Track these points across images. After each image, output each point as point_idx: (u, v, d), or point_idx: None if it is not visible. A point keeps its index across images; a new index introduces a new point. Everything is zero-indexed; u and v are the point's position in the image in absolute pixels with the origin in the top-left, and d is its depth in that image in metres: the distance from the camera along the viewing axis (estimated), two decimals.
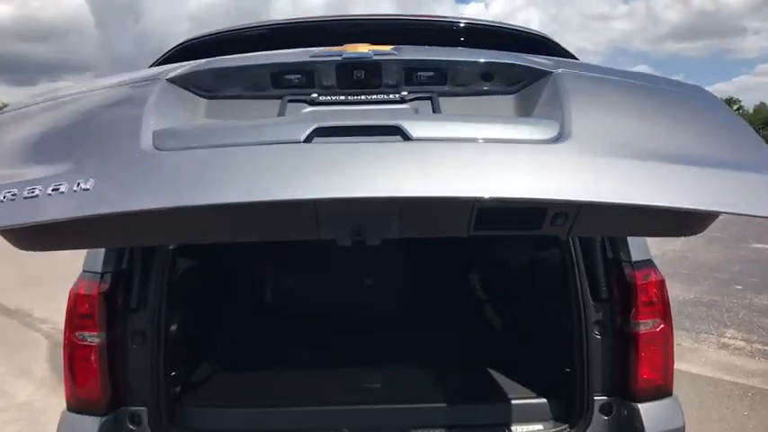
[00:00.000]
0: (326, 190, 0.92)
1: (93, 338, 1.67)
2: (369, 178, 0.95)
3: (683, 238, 10.59)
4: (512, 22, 2.12)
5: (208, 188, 0.97)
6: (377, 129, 1.03)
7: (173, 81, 1.25)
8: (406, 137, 1.00)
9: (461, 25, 1.91)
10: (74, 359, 1.70)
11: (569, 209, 1.25)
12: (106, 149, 1.10)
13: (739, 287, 7.06)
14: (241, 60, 1.30)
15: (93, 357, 1.67)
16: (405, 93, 1.25)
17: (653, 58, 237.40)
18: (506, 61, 1.29)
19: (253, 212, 1.14)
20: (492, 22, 2.14)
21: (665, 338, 1.74)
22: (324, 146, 0.99)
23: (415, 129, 1.01)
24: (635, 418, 1.66)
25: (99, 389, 1.68)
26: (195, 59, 1.44)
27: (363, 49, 1.25)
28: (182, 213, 1.09)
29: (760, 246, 10.63)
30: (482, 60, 1.29)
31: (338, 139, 1.01)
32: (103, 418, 1.67)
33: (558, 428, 1.78)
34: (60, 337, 4.92)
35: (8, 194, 0.97)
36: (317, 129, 1.00)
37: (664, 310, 1.76)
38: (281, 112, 1.22)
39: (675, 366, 4.20)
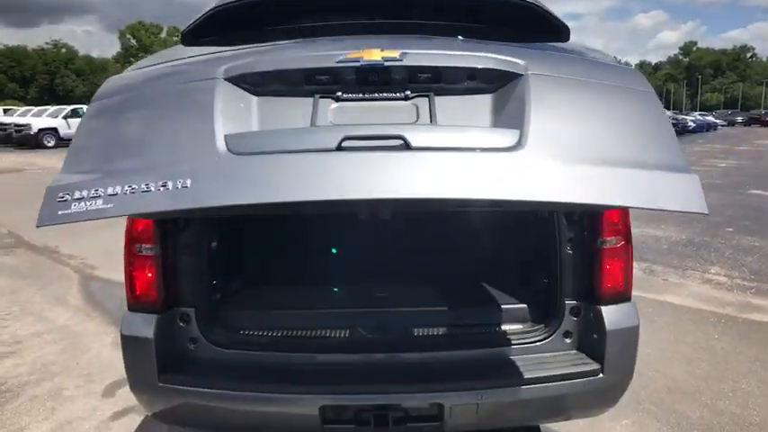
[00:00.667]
0: (352, 192, 1.29)
1: (149, 250, 1.97)
2: (379, 183, 1.31)
3: None
4: None
5: (276, 188, 1.33)
6: (388, 137, 1.38)
7: (229, 80, 1.56)
8: (408, 145, 1.36)
9: None
10: (134, 267, 2.00)
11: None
12: (192, 152, 1.42)
13: (730, 229, 7.36)
14: (284, 63, 1.61)
15: (149, 266, 1.98)
16: (408, 92, 1.60)
17: (668, 3, 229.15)
18: (485, 66, 1.59)
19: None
20: None
21: (626, 253, 2.04)
22: (348, 155, 1.35)
23: (414, 139, 1.36)
24: (598, 318, 1.98)
25: (155, 292, 1.99)
26: (225, 28, 1.86)
27: (377, 56, 1.56)
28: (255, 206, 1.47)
29: (756, 192, 10.87)
30: (466, 65, 1.60)
31: (360, 143, 1.36)
32: (159, 316, 1.98)
33: (534, 328, 2.11)
34: (88, 271, 5.30)
35: (128, 189, 1.30)
36: (344, 138, 1.36)
37: (625, 231, 2.04)
38: (315, 108, 1.56)
39: (661, 299, 4.54)
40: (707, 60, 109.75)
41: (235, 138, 1.41)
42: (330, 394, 1.88)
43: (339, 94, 1.59)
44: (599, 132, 1.50)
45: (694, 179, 1.37)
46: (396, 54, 1.57)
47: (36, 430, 2.83)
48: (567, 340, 2.07)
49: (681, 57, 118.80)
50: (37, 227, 1.31)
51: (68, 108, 24.13)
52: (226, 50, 1.79)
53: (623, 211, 2.01)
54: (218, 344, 2.03)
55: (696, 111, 65.21)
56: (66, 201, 1.31)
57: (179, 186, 1.29)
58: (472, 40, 1.86)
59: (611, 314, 1.98)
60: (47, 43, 78.08)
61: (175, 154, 1.42)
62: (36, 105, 32.90)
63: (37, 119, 23.52)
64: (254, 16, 2.11)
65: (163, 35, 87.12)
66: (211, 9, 2.02)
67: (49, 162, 16.94)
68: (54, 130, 22.94)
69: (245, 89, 1.58)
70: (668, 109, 58.16)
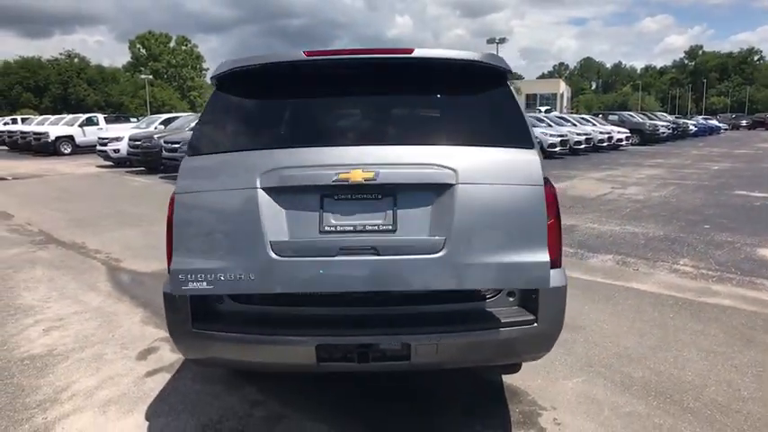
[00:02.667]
0: (342, 286, 2.38)
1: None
2: (359, 278, 2.34)
3: (669, 187, 11.23)
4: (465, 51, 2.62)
5: (302, 281, 2.32)
6: (364, 249, 2.32)
7: (264, 190, 2.37)
8: (378, 253, 2.30)
9: (416, 63, 2.57)
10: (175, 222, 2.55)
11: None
12: (253, 253, 2.33)
13: (707, 226, 7.87)
14: (301, 180, 2.39)
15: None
16: (379, 195, 2.38)
17: (675, 7, 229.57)
18: (428, 182, 2.37)
19: None
20: (443, 54, 2.59)
21: (557, 230, 2.59)
22: (340, 260, 2.31)
23: (381, 249, 2.30)
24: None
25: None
26: (243, 88, 2.71)
27: (359, 178, 2.33)
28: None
29: (741, 192, 11.34)
30: (415, 182, 2.38)
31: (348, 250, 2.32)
32: None
33: (486, 289, 2.67)
34: (113, 263, 5.90)
35: (221, 276, 2.32)
36: (340, 248, 2.31)
37: (556, 211, 2.59)
38: (321, 205, 2.38)
39: (628, 285, 5.01)
40: (713, 64, 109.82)
41: (277, 244, 2.32)
42: (323, 336, 2.45)
43: (335, 197, 2.39)
44: (497, 233, 2.36)
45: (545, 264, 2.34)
46: (371, 175, 2.33)
47: (85, 383, 3.42)
48: (511, 299, 2.62)
49: (686, 61, 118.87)
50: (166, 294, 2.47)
51: (83, 117, 24.94)
52: (255, 150, 2.52)
53: (553, 194, 2.55)
54: (238, 300, 2.61)
55: (701, 115, 65.35)
56: (184, 280, 2.32)
57: (251, 278, 2.31)
58: (429, 148, 2.46)
59: (556, 275, 2.52)
60: (60, 54, 79.30)
61: (243, 254, 2.34)
62: (50, 114, 33.84)
63: (54, 127, 24.36)
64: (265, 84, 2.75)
65: (171, 44, 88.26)
66: (227, 70, 2.66)
67: (67, 168, 17.70)
68: (70, 138, 23.77)
69: (274, 200, 2.38)
70: (672, 114, 58.33)
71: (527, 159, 2.47)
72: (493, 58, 2.66)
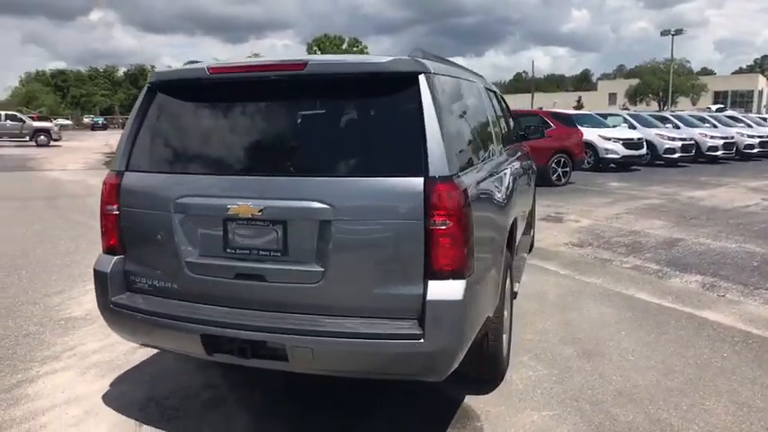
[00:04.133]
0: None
1: (114, 210, 2.76)
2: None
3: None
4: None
5: (211, 298, 2.61)
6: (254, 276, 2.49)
7: (177, 215, 2.61)
8: (265, 279, 2.45)
9: (310, 78, 2.44)
10: (104, 221, 2.81)
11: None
12: (172, 270, 2.67)
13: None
14: (206, 210, 2.56)
15: (112, 223, 2.77)
16: (270, 225, 2.44)
17: None
18: (309, 217, 2.38)
19: None
20: (337, 64, 2.52)
21: (456, 236, 2.29)
22: (236, 283, 2.50)
23: (267, 276, 2.45)
24: (425, 291, 2.28)
25: (113, 241, 2.78)
26: (160, 103, 2.79)
27: (247, 213, 2.44)
28: None
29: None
30: (297, 217, 2.41)
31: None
32: (116, 257, 2.77)
33: None
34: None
35: (155, 282, 2.72)
36: (236, 274, 2.52)
37: (456, 217, 2.28)
38: (225, 230, 2.52)
39: (696, 313, 4.25)
40: None
41: (190, 264, 2.57)
42: (205, 326, 2.47)
43: (232, 225, 2.52)
44: (372, 267, 2.35)
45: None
46: (257, 211, 2.43)
47: (89, 347, 3.86)
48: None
49: None
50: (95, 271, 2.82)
51: None
52: (171, 174, 2.70)
53: (449, 198, 2.27)
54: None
55: None
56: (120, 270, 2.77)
57: (174, 287, 2.64)
58: (313, 180, 2.44)
59: (434, 288, 2.28)
60: (248, 57, 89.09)
61: (166, 267, 2.65)
62: None
63: None
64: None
65: (344, 46, 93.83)
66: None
67: None
68: None
69: (186, 223, 2.58)
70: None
71: (407, 190, 2.28)
72: (396, 63, 2.39)
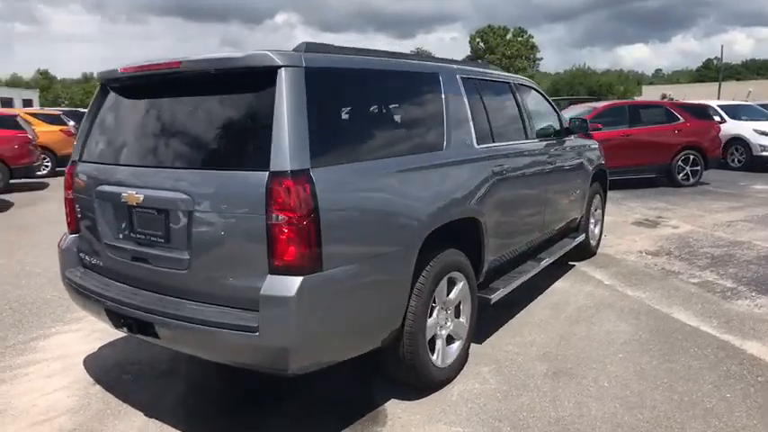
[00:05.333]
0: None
1: (69, 195, 3.17)
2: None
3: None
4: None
5: (118, 275, 2.94)
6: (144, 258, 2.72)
7: (97, 201, 2.97)
8: (149, 263, 2.68)
9: (185, 75, 2.59)
10: (65, 204, 3.23)
11: None
12: (98, 249, 3.06)
13: None
14: (110, 196, 2.86)
15: (69, 204, 3.19)
16: (155, 212, 2.64)
17: None
18: (177, 208, 2.53)
19: None
20: (204, 61, 2.52)
21: (304, 230, 2.24)
22: (132, 264, 2.78)
23: (152, 259, 2.68)
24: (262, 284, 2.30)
25: (72, 221, 3.19)
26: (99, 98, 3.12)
27: (134, 201, 2.68)
28: None
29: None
30: (169, 208, 2.57)
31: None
32: (71, 236, 3.18)
33: None
34: None
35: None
36: (133, 258, 2.79)
37: (297, 213, 2.24)
38: (129, 215, 2.76)
39: (737, 345, 3.72)
40: None
41: (108, 246, 2.89)
42: (106, 302, 2.75)
43: (134, 210, 2.74)
44: (224, 257, 2.46)
45: None
46: (141, 199, 2.66)
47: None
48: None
49: None
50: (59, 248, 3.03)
51: None
52: (96, 164, 3.03)
53: (287, 193, 2.24)
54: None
55: None
56: (72, 246, 3.21)
57: (101, 264, 2.99)
58: (182, 172, 2.59)
59: (269, 282, 2.28)
60: (411, 51, 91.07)
61: (95, 246, 3.01)
62: None
63: None
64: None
65: (508, 36, 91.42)
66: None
67: None
68: None
69: (103, 208, 2.91)
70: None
71: (253, 184, 2.31)
72: (252, 58, 2.40)
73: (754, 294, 4.67)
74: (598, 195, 5.90)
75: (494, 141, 3.80)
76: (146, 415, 2.95)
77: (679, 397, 3.06)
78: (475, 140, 3.52)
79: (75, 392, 3.21)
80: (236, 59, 2.42)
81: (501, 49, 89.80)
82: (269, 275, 2.30)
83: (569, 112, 11.31)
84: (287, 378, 2.80)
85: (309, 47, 2.56)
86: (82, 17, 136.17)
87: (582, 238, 5.43)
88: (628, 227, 7.41)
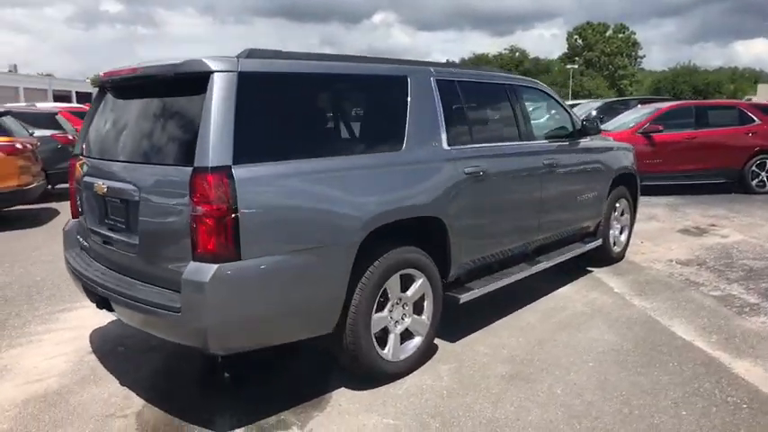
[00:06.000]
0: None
1: (72, 185, 3.59)
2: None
3: None
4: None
5: (96, 255, 3.25)
6: (110, 242, 3.10)
7: (85, 191, 3.35)
8: (112, 246, 3.05)
9: (140, 80, 2.95)
10: (70, 192, 3.67)
11: None
12: (86, 233, 3.45)
13: None
14: (91, 186, 3.19)
15: (72, 193, 3.61)
16: (118, 201, 2.97)
17: None
18: (129, 198, 2.85)
19: None
20: (151, 68, 2.87)
21: (210, 222, 2.44)
22: (104, 247, 3.18)
23: (114, 243, 3.04)
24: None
25: (74, 207, 3.61)
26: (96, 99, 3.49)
27: (100, 191, 3.04)
28: None
29: None
30: (123, 197, 2.91)
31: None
32: (72, 221, 3.60)
33: None
34: None
35: None
36: (104, 241, 3.18)
37: (216, 206, 2.44)
38: (105, 203, 3.11)
39: (729, 366, 3.50)
40: None
41: (90, 230, 3.28)
42: (85, 280, 3.11)
43: (107, 200, 3.09)
44: (159, 242, 2.78)
45: None
46: (105, 189, 3.02)
47: None
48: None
49: None
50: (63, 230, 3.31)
51: None
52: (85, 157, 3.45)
53: (204, 186, 2.45)
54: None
55: None
56: (72, 229, 3.47)
57: (87, 246, 3.39)
58: (134, 166, 2.93)
59: (189, 268, 2.51)
60: (505, 49, 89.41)
61: (85, 231, 3.40)
62: None
63: None
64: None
65: (608, 33, 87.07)
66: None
67: None
68: None
69: (88, 197, 3.28)
70: None
71: (181, 178, 2.56)
72: (187, 65, 2.64)
73: None
74: (624, 200, 5.63)
75: (473, 143, 3.81)
76: (120, 383, 3.31)
77: (629, 410, 2.95)
78: (445, 142, 3.56)
79: (72, 359, 3.63)
80: (178, 65, 2.67)
81: (600, 46, 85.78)
82: (191, 262, 2.53)
83: (634, 113, 10.77)
84: (259, 360, 3.12)
85: (251, 53, 2.76)
86: (195, 20, 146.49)
87: (597, 243, 5.23)
88: (672, 234, 6.99)
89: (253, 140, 2.61)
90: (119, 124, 3.18)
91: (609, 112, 12.87)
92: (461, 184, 3.58)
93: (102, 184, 3.02)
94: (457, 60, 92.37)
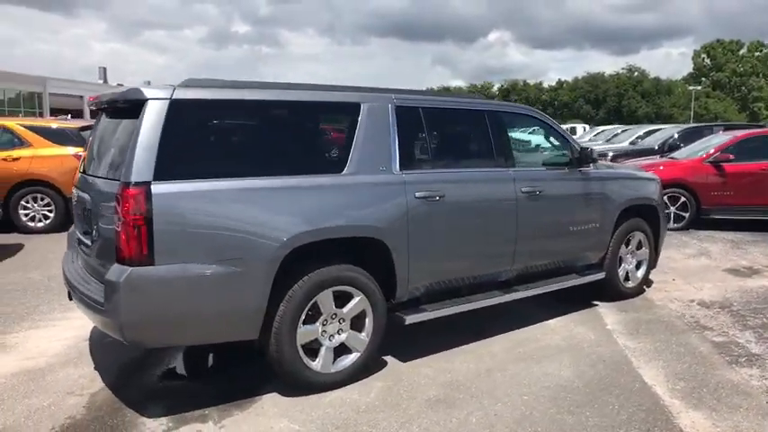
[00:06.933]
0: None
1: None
2: None
3: None
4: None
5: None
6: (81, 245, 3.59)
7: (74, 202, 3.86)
8: (81, 244, 3.55)
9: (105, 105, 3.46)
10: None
11: None
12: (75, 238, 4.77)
13: None
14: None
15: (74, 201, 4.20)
16: (88, 209, 3.37)
17: None
18: (86, 206, 3.41)
19: None
20: (109, 95, 3.38)
21: (126, 230, 2.80)
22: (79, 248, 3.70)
23: (83, 246, 3.51)
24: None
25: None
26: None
27: (74, 199, 3.63)
28: None
29: None
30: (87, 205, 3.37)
31: None
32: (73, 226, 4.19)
33: None
34: None
35: None
36: (79, 243, 3.68)
37: (132, 220, 2.80)
38: (83, 212, 3.53)
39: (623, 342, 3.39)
40: None
41: (75, 233, 3.80)
42: (65, 274, 3.63)
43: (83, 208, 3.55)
44: (102, 242, 3.19)
45: None
46: (77, 198, 3.58)
47: None
48: None
49: None
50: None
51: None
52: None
53: (124, 199, 2.82)
54: None
55: None
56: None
57: (76, 247, 3.90)
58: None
59: (112, 269, 2.89)
60: (622, 69, 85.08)
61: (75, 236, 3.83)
62: (601, 125, 34.82)
63: None
64: None
65: (742, 51, 79.93)
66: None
67: None
68: None
69: (76, 206, 3.82)
70: None
71: (112, 190, 2.97)
72: (126, 93, 3.10)
73: None
74: (640, 232, 5.33)
75: (432, 168, 3.91)
76: (94, 368, 3.78)
77: None
78: (397, 166, 3.69)
79: (70, 343, 4.19)
80: (123, 93, 3.11)
81: (730, 65, 78.96)
82: (115, 264, 2.91)
83: (707, 141, 10.02)
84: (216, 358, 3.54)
85: (189, 82, 3.12)
86: (315, 40, 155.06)
87: (598, 277, 5.00)
88: (715, 273, 6.43)
89: (176, 160, 2.95)
90: (94, 142, 3.70)
91: (691, 137, 11.97)
92: (412, 209, 3.69)
93: (76, 194, 3.53)
94: (569, 79, 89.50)
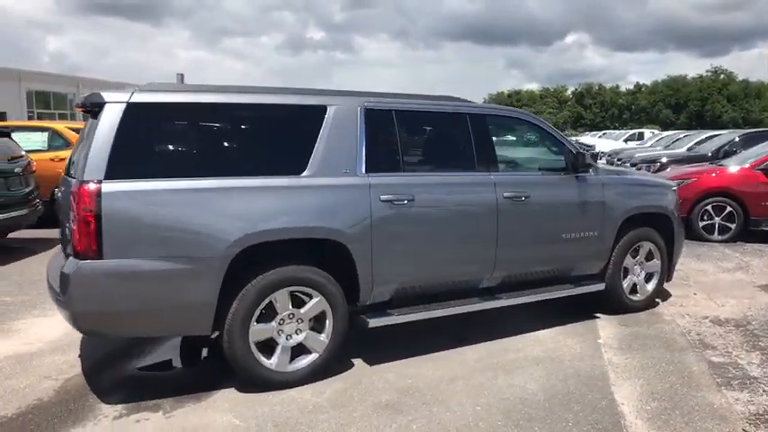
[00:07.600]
0: None
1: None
2: None
3: None
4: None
5: None
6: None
7: None
8: (64, 242, 3.54)
9: (86, 104, 3.43)
10: None
11: None
12: None
13: None
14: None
15: None
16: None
17: None
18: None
19: None
20: (88, 94, 3.40)
21: (78, 226, 2.96)
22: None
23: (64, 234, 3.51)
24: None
25: None
26: None
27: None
28: None
29: None
30: None
31: None
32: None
33: None
34: None
35: None
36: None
37: (88, 213, 2.95)
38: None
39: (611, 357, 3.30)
40: None
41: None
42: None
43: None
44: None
45: None
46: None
47: None
48: None
49: None
50: None
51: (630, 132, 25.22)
52: None
53: (76, 196, 2.99)
54: None
55: None
56: None
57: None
58: None
59: (67, 262, 3.08)
60: (707, 71, 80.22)
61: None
62: (683, 130, 32.41)
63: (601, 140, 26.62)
64: None
65: None
66: None
67: None
68: None
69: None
70: None
71: (72, 189, 3.12)
72: (89, 97, 3.27)
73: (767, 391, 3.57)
74: (649, 242, 5.02)
75: (402, 171, 3.88)
76: (78, 355, 4.03)
77: None
78: (363, 168, 3.70)
79: (65, 332, 4.44)
80: (89, 97, 3.30)
81: None
82: (70, 257, 3.10)
83: (760, 148, 9.29)
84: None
85: (150, 86, 3.28)
86: (388, 44, 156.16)
87: (597, 288, 4.76)
88: (747, 289, 5.94)
89: (129, 160, 3.11)
90: (77, 144, 3.94)
91: (754, 143, 11.12)
92: (376, 212, 3.67)
93: (57, 194, 3.76)
94: (648, 83, 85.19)
